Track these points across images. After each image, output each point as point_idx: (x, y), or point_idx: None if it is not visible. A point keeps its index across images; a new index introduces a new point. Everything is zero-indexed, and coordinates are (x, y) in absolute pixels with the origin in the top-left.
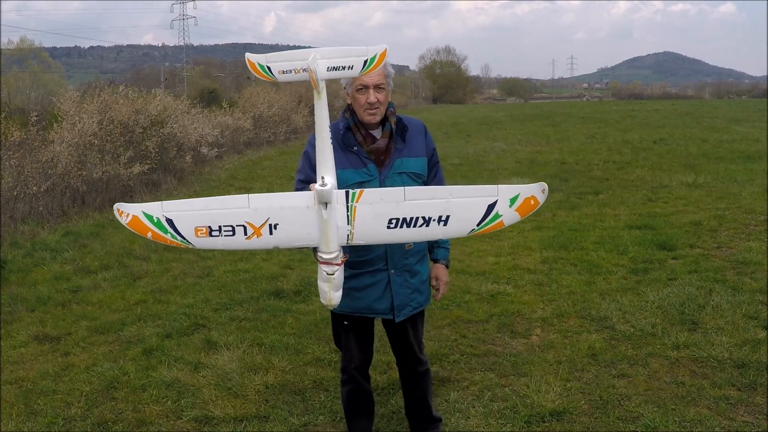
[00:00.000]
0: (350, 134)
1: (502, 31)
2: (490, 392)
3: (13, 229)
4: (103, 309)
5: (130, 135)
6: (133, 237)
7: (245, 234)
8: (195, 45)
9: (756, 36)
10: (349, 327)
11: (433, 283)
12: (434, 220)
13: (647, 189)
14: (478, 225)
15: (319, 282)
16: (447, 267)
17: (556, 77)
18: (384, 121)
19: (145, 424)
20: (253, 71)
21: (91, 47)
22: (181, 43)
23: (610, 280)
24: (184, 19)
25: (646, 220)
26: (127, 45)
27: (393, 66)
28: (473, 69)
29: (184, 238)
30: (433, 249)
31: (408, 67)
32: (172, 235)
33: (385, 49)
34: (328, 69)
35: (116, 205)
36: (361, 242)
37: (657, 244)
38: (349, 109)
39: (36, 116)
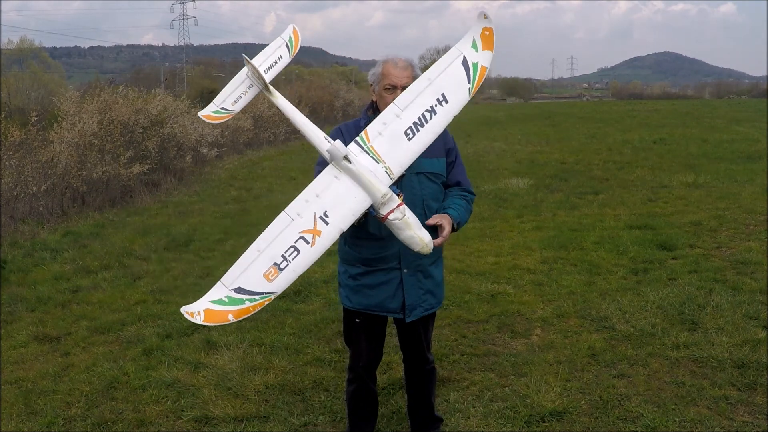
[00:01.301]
0: None
1: (503, 31)
2: (490, 392)
3: (13, 229)
4: (103, 309)
5: (130, 135)
6: (133, 237)
7: (308, 243)
8: (195, 45)
9: (756, 36)
10: (360, 325)
11: (435, 221)
12: (436, 105)
13: (647, 189)
14: (470, 82)
15: (402, 236)
16: (454, 225)
17: (556, 77)
18: None
19: (145, 424)
20: (212, 122)
21: (91, 47)
22: (181, 43)
23: (610, 280)
24: (184, 19)
25: (646, 220)
26: (127, 45)
27: None
28: None
29: (263, 293)
30: (447, 208)
31: None
32: (251, 300)
33: (293, 28)
34: (266, 70)
35: (183, 309)
36: (401, 169)
37: (657, 244)
38: (372, 107)
39: (36, 116)
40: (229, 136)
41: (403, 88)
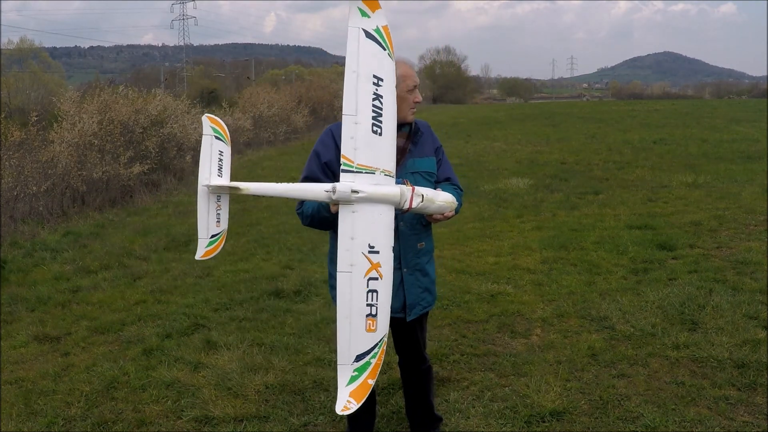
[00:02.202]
0: None
1: (503, 31)
2: (490, 392)
3: (13, 229)
4: (103, 309)
5: (130, 135)
6: (133, 237)
7: (378, 278)
8: (195, 45)
9: (756, 36)
10: None
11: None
12: (377, 88)
13: (647, 189)
14: (385, 48)
15: (432, 211)
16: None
17: (556, 77)
18: (402, 123)
19: (145, 424)
20: (215, 253)
21: (91, 47)
22: (181, 43)
23: (610, 280)
24: (184, 19)
25: (646, 220)
26: (127, 45)
27: None
28: (473, 69)
29: (376, 344)
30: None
31: None
32: (373, 356)
33: (207, 117)
34: (220, 174)
35: (337, 411)
36: (393, 163)
37: (657, 244)
38: None
39: (36, 116)
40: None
41: (416, 87)
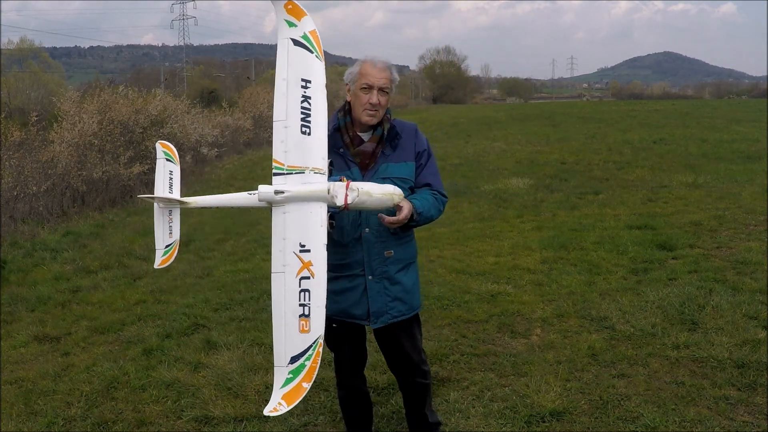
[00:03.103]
0: (338, 135)
1: (503, 31)
2: (490, 392)
3: (13, 229)
4: (103, 309)
5: (130, 135)
6: (133, 237)
7: (310, 277)
8: (195, 45)
9: (756, 36)
10: (338, 330)
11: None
12: (305, 90)
13: (647, 189)
14: (312, 51)
15: (373, 205)
16: (414, 214)
17: (556, 77)
18: (376, 125)
19: (145, 424)
20: (169, 262)
21: (91, 47)
22: (181, 43)
23: (610, 280)
24: (184, 19)
25: (646, 220)
26: (127, 45)
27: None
28: (473, 69)
29: (310, 345)
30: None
31: (408, 67)
32: (307, 357)
33: (160, 143)
34: (171, 191)
35: (266, 413)
36: (324, 161)
37: (657, 244)
38: (344, 109)
39: (36, 116)
40: (228, 136)
41: (380, 89)
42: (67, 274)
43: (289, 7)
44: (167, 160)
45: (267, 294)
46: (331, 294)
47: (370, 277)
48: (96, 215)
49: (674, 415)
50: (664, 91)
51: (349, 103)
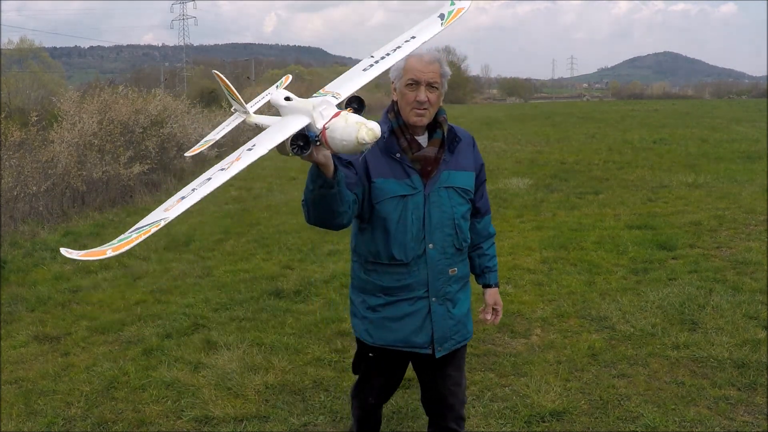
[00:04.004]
0: (393, 139)
1: (503, 31)
2: (490, 392)
3: (13, 229)
4: (103, 309)
5: (130, 135)
6: None
7: (224, 169)
8: (195, 45)
9: (756, 36)
10: (375, 360)
11: (492, 308)
12: (404, 43)
13: (647, 189)
14: (443, 20)
15: (343, 136)
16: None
17: (556, 77)
18: (433, 127)
19: (145, 424)
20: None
21: (91, 47)
22: (181, 43)
23: (610, 280)
24: (184, 19)
25: (646, 220)
26: (127, 45)
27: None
28: (473, 69)
29: (154, 222)
30: (484, 273)
31: None
32: (139, 231)
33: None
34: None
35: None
36: (349, 91)
37: (657, 244)
38: (393, 110)
39: (36, 116)
40: (229, 136)
41: (429, 84)
42: (67, 274)
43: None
44: (278, 86)
45: (267, 294)
46: (388, 321)
47: (433, 299)
48: (96, 215)
49: (674, 415)
50: (664, 91)
51: (396, 103)
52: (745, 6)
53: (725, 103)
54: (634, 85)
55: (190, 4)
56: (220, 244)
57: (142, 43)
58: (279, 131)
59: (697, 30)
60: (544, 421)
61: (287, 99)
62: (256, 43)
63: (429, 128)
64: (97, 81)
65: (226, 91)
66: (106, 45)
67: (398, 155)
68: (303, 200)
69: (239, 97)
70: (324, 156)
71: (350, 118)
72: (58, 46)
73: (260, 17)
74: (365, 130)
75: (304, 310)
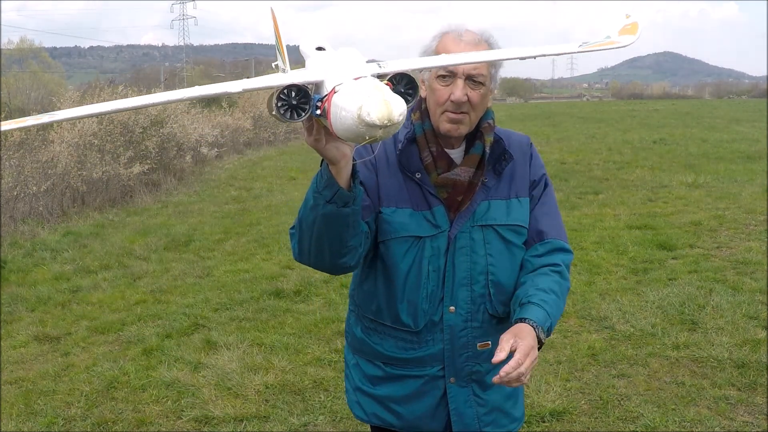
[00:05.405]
0: (414, 150)
1: (502, 31)
2: None
3: (13, 229)
4: (103, 309)
5: (130, 135)
6: (133, 237)
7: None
8: (195, 45)
9: (756, 36)
10: None
11: (507, 344)
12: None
13: (647, 189)
14: (584, 43)
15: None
16: (541, 335)
17: (556, 77)
18: (473, 137)
19: (145, 424)
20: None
21: (91, 47)
22: (181, 43)
23: (610, 280)
24: (184, 19)
25: (646, 220)
26: (127, 45)
27: None
28: None
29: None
30: (522, 306)
31: None
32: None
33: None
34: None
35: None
36: (400, 68)
37: (657, 244)
38: (420, 109)
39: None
40: (229, 136)
41: (470, 78)
42: (67, 274)
43: (628, 27)
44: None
45: (267, 294)
46: (389, 401)
47: (451, 380)
48: (96, 215)
49: (674, 415)
50: (664, 91)
51: (424, 100)
52: (745, 6)
53: (725, 103)
54: (634, 85)
55: (190, 4)
56: (220, 244)
57: (142, 43)
58: (277, 79)
59: (697, 30)
60: (544, 421)
61: (320, 49)
62: (256, 43)
63: (468, 138)
64: (97, 81)
65: (275, 38)
66: (106, 45)
67: (418, 175)
68: (294, 225)
69: (283, 47)
70: (336, 148)
71: (369, 82)
72: (58, 46)
73: (260, 17)
74: (376, 102)
75: (304, 310)
